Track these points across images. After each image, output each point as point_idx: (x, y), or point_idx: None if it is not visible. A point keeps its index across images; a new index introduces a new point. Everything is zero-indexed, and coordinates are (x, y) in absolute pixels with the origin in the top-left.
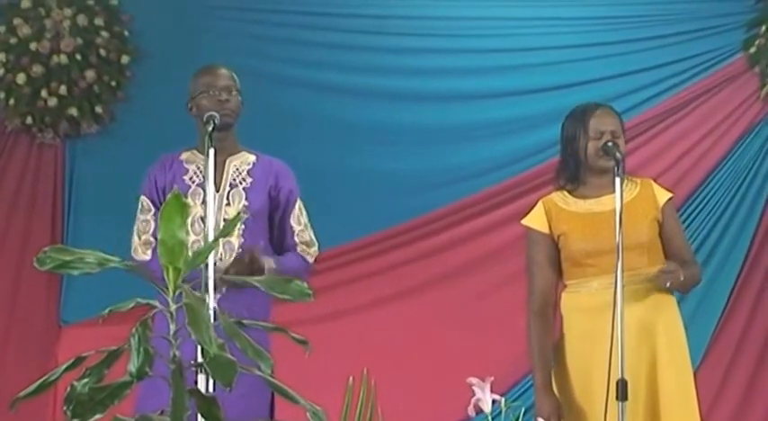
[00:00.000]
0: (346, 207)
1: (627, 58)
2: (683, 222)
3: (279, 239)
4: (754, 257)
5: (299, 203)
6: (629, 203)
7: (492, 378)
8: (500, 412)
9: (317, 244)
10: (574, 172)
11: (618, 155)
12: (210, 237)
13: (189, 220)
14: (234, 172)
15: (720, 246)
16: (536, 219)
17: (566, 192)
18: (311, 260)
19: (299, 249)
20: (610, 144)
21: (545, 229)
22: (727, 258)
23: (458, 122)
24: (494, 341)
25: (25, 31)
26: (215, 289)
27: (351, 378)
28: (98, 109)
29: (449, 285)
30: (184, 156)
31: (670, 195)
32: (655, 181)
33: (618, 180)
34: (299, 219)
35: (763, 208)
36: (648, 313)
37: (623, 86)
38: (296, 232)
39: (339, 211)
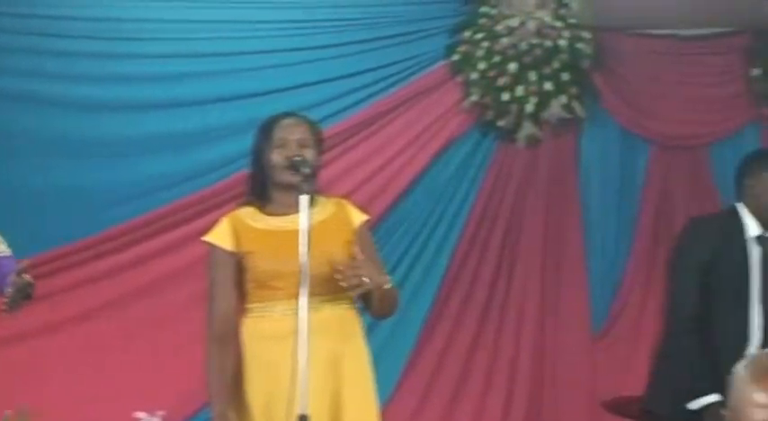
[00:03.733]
0: (22, 224)
1: (326, 64)
2: (379, 240)
3: None
4: (452, 280)
5: None
6: (322, 223)
7: (163, 412)
8: None
9: None
10: (261, 186)
11: (306, 170)
12: None
13: None
14: None
15: (417, 267)
16: (220, 236)
17: (254, 208)
18: None
19: None
20: (298, 159)
21: (230, 247)
22: (422, 282)
23: (140, 133)
24: (168, 371)
25: None
26: None
27: (6, 412)
28: None
29: (125, 309)
30: None
31: (366, 217)
32: (350, 201)
33: (305, 197)
34: None
35: (464, 226)
36: (336, 343)
37: (321, 94)
38: None
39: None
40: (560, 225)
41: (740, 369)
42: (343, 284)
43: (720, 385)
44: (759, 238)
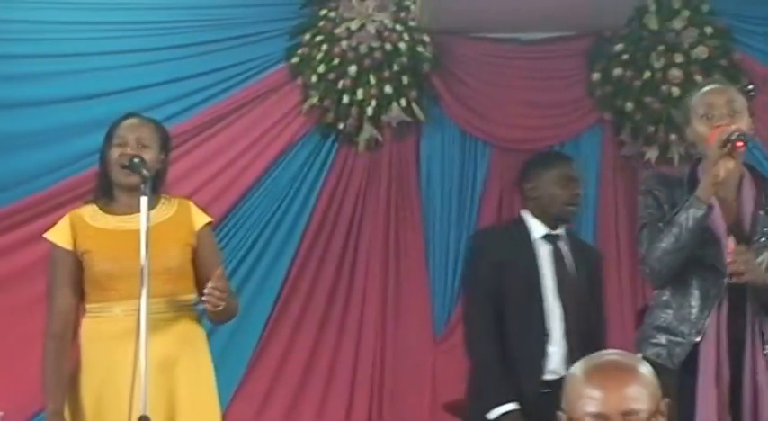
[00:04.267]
0: None
1: (171, 64)
2: (219, 242)
3: None
4: (293, 283)
5: None
6: (161, 225)
7: (1, 413)
8: None
9: None
10: (107, 185)
11: (144, 172)
12: None
13: None
14: None
15: (257, 270)
16: (60, 234)
17: (97, 207)
18: None
19: None
20: (136, 160)
21: (68, 245)
22: (264, 283)
23: None
24: (8, 371)
25: None
26: None
27: None
28: None
29: None
30: None
31: (208, 220)
32: (194, 202)
33: (144, 198)
34: None
35: (305, 229)
36: (171, 346)
37: (166, 94)
38: None
39: None
40: (401, 228)
41: (574, 370)
42: (205, 301)
43: (518, 391)
44: (547, 237)
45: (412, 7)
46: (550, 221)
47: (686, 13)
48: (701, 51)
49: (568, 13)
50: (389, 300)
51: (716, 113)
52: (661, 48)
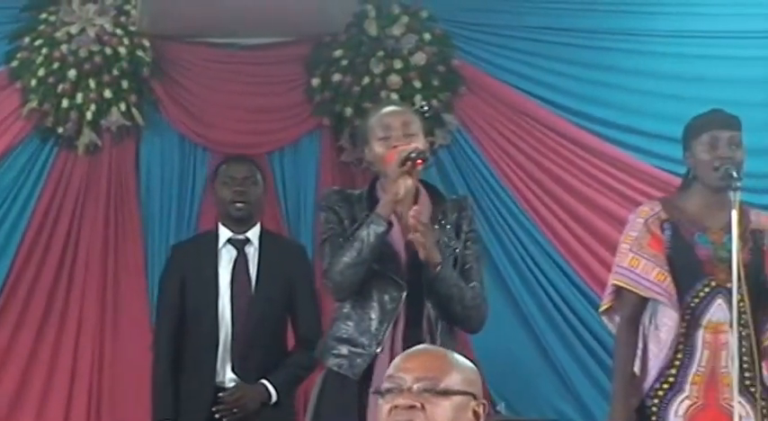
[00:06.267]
0: None
1: None
2: None
3: None
4: (12, 286)
5: None
6: None
7: None
8: None
9: None
10: None
11: None
12: None
13: None
14: None
15: None
16: None
17: None
18: None
19: None
20: None
21: None
22: None
23: None
24: None
25: None
26: None
27: None
28: None
29: None
30: None
31: None
32: None
33: None
34: None
35: (24, 233)
36: None
37: None
38: None
39: None
40: (120, 233)
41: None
42: None
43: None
44: (232, 242)
45: (132, 12)
46: (231, 225)
47: (405, 20)
48: (419, 57)
49: (287, 18)
50: (108, 306)
51: (393, 134)
52: (380, 53)
